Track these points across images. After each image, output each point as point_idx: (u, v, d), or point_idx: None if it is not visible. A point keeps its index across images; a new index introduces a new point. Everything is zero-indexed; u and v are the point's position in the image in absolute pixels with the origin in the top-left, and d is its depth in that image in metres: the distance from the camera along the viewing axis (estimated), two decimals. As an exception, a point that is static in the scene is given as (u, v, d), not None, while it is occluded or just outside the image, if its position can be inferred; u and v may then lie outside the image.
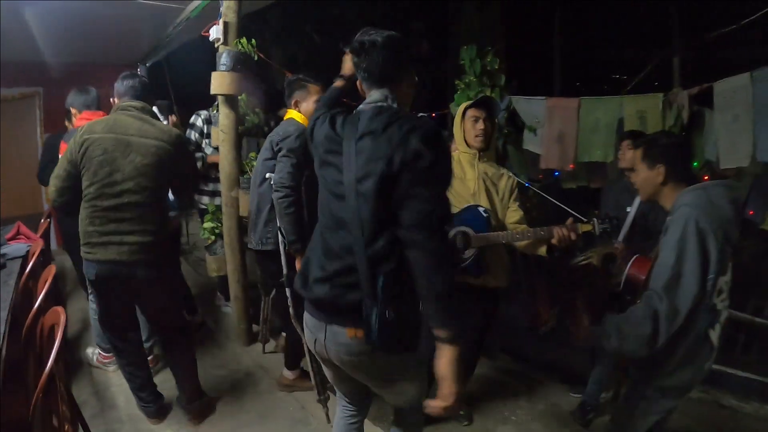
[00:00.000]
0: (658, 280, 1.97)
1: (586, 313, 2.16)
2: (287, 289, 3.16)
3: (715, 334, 2.07)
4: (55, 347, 1.93)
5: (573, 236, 2.58)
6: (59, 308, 2.16)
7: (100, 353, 3.82)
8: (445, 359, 1.67)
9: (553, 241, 2.60)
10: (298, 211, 3.01)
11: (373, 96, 1.91)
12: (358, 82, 1.98)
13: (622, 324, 2.00)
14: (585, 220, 2.69)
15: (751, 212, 4.72)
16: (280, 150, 3.11)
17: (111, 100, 3.10)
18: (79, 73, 7.43)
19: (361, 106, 1.93)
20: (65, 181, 2.85)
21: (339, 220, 1.85)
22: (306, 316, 2.00)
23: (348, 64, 2.31)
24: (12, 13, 4.47)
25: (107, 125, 2.84)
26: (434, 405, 1.72)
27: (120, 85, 3.01)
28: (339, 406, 2.36)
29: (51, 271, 2.69)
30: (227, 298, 4.83)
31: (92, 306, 3.62)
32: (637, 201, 3.30)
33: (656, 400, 2.19)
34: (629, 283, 2.22)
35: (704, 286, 1.95)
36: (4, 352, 2.14)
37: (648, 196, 2.25)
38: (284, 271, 3.21)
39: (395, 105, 1.88)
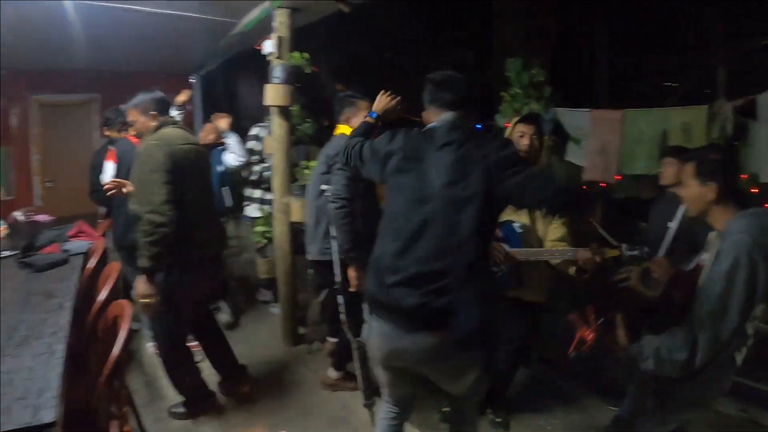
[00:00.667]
0: (703, 307, 1.94)
1: (625, 331, 2.20)
2: (340, 296, 3.27)
3: (740, 357, 2.07)
4: (121, 337, 2.09)
5: (598, 259, 2.58)
6: (125, 301, 2.32)
7: None
8: None
9: (578, 260, 2.63)
10: (353, 221, 3.10)
11: (445, 116, 2.14)
12: (424, 113, 2.25)
13: (660, 348, 2.01)
14: (615, 243, 2.63)
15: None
16: (335, 164, 3.19)
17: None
18: (135, 81, 7.77)
19: (434, 124, 2.16)
20: (172, 197, 2.85)
21: (422, 224, 1.96)
22: (378, 323, 2.09)
23: (380, 103, 2.69)
24: (72, 23, 4.72)
25: (176, 137, 3.01)
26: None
27: (154, 102, 3.19)
28: (384, 408, 2.47)
29: (115, 267, 2.86)
30: (274, 299, 5.03)
31: None
32: (679, 214, 3.29)
33: (674, 412, 2.23)
34: (668, 301, 2.23)
35: (747, 316, 1.92)
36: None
37: (697, 213, 2.14)
38: (338, 279, 3.29)
39: (464, 124, 2.12)
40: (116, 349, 2.05)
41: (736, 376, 3.64)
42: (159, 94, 3.26)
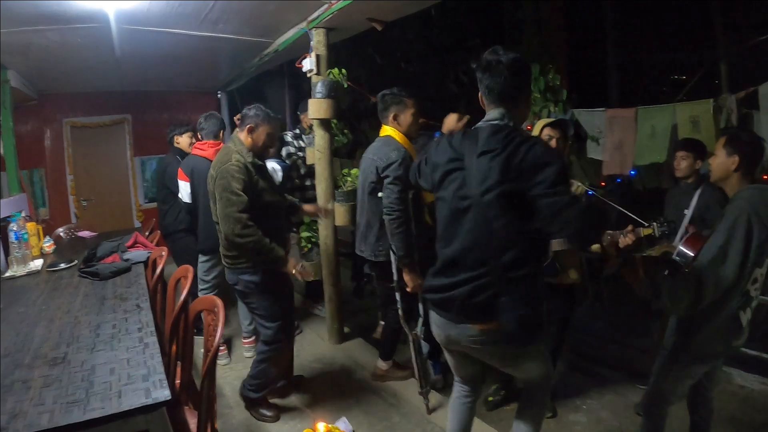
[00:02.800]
0: (707, 255, 2.24)
1: (643, 269, 2.45)
2: (397, 294, 3.45)
3: (745, 317, 2.36)
4: (219, 330, 2.29)
5: (636, 240, 2.78)
6: (215, 297, 2.52)
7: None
8: None
9: (620, 245, 2.82)
10: (407, 230, 3.28)
11: (492, 114, 2.13)
12: (479, 96, 2.19)
13: (673, 287, 2.25)
14: (646, 224, 2.92)
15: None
16: (386, 176, 3.34)
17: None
18: (163, 100, 8.09)
19: (480, 124, 2.17)
20: (247, 210, 3.10)
21: (464, 230, 2.12)
22: (434, 315, 2.31)
23: (448, 124, 2.81)
24: (110, 48, 4.96)
25: (246, 151, 3.27)
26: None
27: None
28: (455, 389, 2.65)
29: (190, 270, 3.07)
30: (315, 301, 5.30)
31: None
32: (693, 202, 3.51)
33: (689, 365, 2.50)
34: (682, 254, 2.48)
35: (743, 271, 2.22)
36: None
37: (718, 179, 2.50)
38: (395, 278, 3.46)
39: (511, 123, 2.09)
40: (218, 337, 2.25)
41: (759, 351, 3.94)
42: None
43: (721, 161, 2.46)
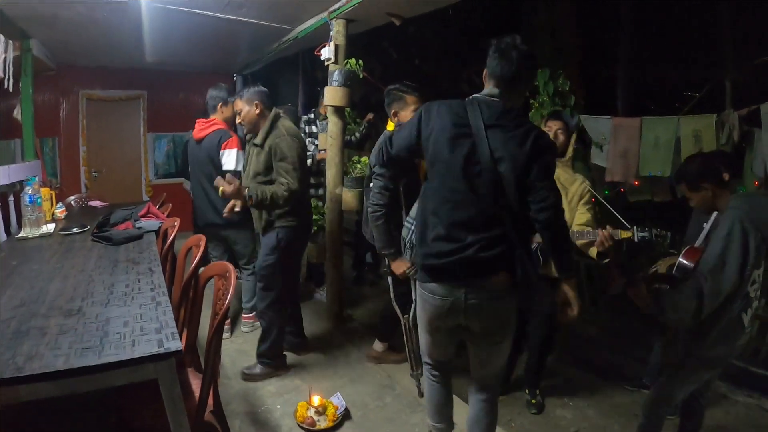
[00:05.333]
0: (706, 265, 2.33)
1: (646, 288, 2.54)
2: (389, 278, 3.51)
3: (747, 318, 2.45)
4: (229, 295, 2.36)
5: (611, 240, 2.99)
6: (227, 263, 2.59)
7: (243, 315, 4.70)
8: (569, 287, 2.35)
9: (596, 244, 3.00)
10: (385, 223, 3.17)
11: (491, 90, 2.26)
12: (484, 72, 2.30)
13: (673, 297, 2.37)
14: (628, 226, 3.02)
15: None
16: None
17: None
18: (180, 79, 8.19)
19: (479, 96, 2.29)
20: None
21: (476, 195, 2.22)
22: (434, 286, 2.36)
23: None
24: (121, 21, 5.05)
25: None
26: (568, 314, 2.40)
27: (266, 96, 3.70)
28: (426, 374, 2.77)
29: (202, 239, 3.15)
30: (317, 285, 5.42)
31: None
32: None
33: (695, 370, 2.59)
34: (681, 267, 2.54)
35: (743, 275, 2.31)
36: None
37: (710, 211, 2.60)
38: (387, 263, 3.50)
39: (507, 103, 2.24)
40: (227, 301, 2.34)
41: (747, 365, 4.03)
42: (263, 88, 3.77)
43: (698, 200, 2.61)
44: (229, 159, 4.26)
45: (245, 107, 3.67)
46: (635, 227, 3.01)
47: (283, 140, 3.59)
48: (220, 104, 4.41)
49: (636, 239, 3.02)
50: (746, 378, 4.10)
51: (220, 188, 3.29)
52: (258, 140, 3.67)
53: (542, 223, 2.24)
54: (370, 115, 5.36)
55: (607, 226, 3.00)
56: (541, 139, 2.21)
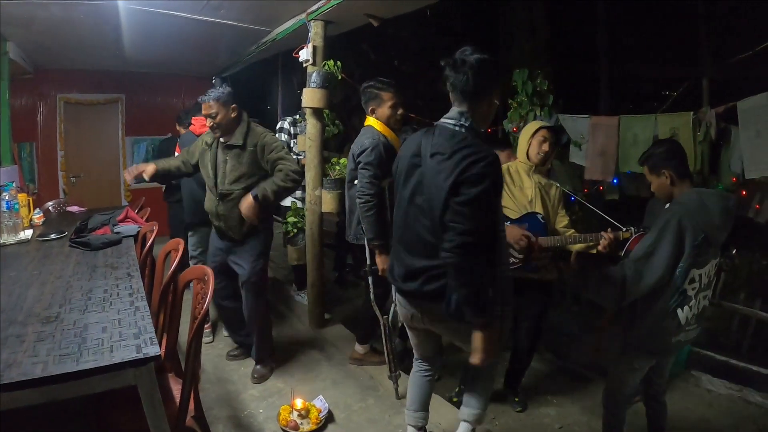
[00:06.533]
0: (635, 252, 2.40)
1: (575, 264, 2.59)
2: (370, 278, 3.58)
3: (683, 314, 2.47)
4: (208, 298, 2.35)
5: (615, 241, 2.99)
6: (205, 267, 2.59)
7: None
8: (478, 336, 2.16)
9: (600, 247, 3.00)
10: (377, 213, 3.37)
11: (451, 113, 2.24)
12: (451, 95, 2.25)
13: (598, 279, 2.43)
14: (623, 228, 3.04)
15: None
16: (359, 162, 3.47)
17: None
18: (158, 82, 8.14)
19: (440, 121, 2.26)
20: None
21: (418, 224, 2.28)
22: (399, 297, 2.51)
23: None
24: (99, 23, 5.00)
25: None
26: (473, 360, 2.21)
27: (231, 95, 3.61)
28: (415, 365, 2.83)
29: (180, 243, 3.13)
30: (299, 287, 5.41)
31: None
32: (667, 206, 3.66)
33: (634, 358, 2.64)
34: (627, 253, 2.66)
35: (672, 271, 2.36)
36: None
37: (667, 200, 2.59)
38: (368, 262, 3.60)
39: (467, 123, 2.18)
40: (206, 304, 2.34)
41: (728, 357, 4.09)
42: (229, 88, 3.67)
43: (657, 184, 2.61)
44: None
45: (222, 110, 3.54)
46: (632, 228, 3.03)
47: (267, 136, 3.66)
48: None
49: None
50: (729, 371, 4.17)
51: (244, 214, 3.55)
52: (237, 141, 3.60)
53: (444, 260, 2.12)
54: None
55: (609, 229, 3.02)
56: (476, 166, 2.05)
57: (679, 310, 2.47)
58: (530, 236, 3.08)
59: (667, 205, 2.54)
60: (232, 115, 3.60)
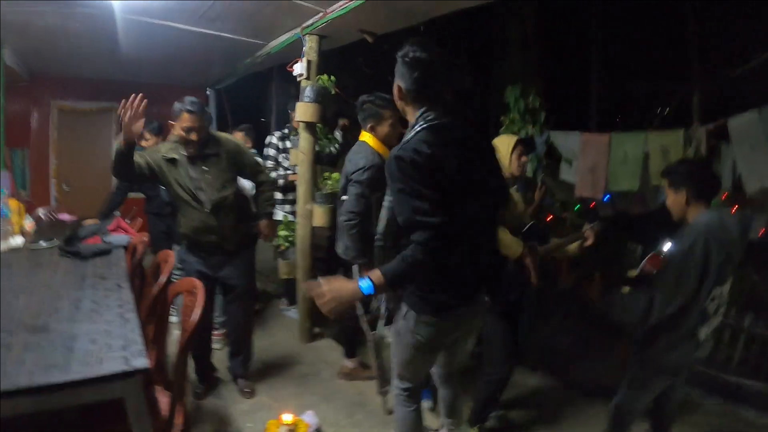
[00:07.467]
0: (664, 275, 2.40)
1: (600, 287, 2.60)
2: None
3: (702, 332, 2.48)
4: (198, 310, 2.31)
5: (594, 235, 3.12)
6: (195, 279, 2.58)
7: None
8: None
9: (588, 242, 3.12)
10: (359, 232, 3.27)
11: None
12: None
13: (625, 300, 2.45)
14: (591, 224, 3.19)
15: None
16: (350, 180, 3.37)
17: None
18: (153, 92, 8.09)
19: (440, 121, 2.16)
20: None
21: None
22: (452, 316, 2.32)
23: None
24: (95, 32, 5.02)
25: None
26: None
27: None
28: (403, 401, 2.64)
29: (171, 255, 3.10)
30: (290, 302, 5.40)
31: None
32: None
33: (649, 377, 2.62)
34: (643, 273, 2.60)
35: (699, 291, 2.36)
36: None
37: (678, 216, 2.58)
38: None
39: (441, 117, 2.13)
40: (195, 317, 2.30)
41: (723, 373, 4.10)
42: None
43: (672, 200, 2.59)
44: None
45: (201, 124, 3.35)
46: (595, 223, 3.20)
47: (230, 139, 3.76)
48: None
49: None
50: (720, 386, 4.18)
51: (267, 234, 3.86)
52: (212, 150, 3.47)
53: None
54: (344, 121, 5.18)
55: (586, 223, 3.18)
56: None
57: (699, 328, 2.48)
58: (534, 245, 3.04)
59: (688, 225, 2.50)
60: (209, 128, 3.51)
